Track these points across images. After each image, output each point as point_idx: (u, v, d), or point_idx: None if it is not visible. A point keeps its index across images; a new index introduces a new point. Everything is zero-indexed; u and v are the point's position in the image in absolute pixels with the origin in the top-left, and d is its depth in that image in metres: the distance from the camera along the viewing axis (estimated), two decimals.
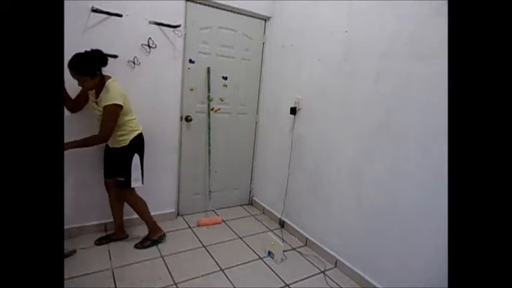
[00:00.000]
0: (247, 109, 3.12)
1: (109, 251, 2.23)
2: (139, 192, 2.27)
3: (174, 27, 2.42)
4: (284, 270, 2.22)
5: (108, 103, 1.90)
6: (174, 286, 1.95)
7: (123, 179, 2.11)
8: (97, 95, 1.98)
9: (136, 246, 2.30)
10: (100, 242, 2.31)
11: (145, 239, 2.35)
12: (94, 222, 2.40)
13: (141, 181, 2.19)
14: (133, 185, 2.14)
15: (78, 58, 1.84)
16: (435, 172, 1.67)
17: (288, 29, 2.77)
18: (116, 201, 2.30)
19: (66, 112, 2.07)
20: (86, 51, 1.88)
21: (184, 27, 2.52)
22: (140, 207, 2.28)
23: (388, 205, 1.94)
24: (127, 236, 2.41)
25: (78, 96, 2.07)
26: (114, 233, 2.38)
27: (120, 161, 2.11)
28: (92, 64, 1.88)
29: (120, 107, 1.94)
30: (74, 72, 1.83)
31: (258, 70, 3.10)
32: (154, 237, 2.36)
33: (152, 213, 2.68)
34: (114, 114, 1.94)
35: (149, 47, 2.36)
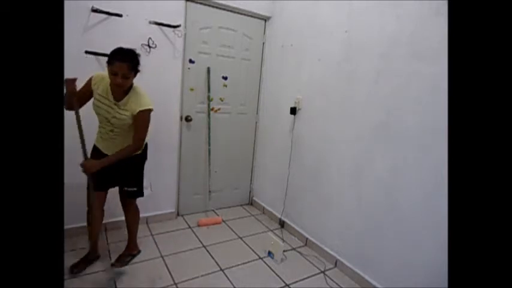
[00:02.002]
0: (247, 109, 3.12)
1: (109, 251, 2.23)
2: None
3: (174, 27, 2.42)
4: (284, 270, 2.22)
5: (143, 108, 1.75)
6: (174, 286, 1.95)
7: (135, 189, 1.97)
8: (117, 97, 1.75)
9: (116, 265, 2.04)
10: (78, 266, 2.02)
11: (125, 254, 2.14)
12: None
13: (150, 188, 2.09)
14: (145, 193, 2.02)
15: (134, 52, 1.69)
16: (435, 172, 1.67)
17: (288, 29, 2.77)
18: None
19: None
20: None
21: (184, 27, 2.52)
22: (138, 218, 2.14)
23: (388, 205, 1.94)
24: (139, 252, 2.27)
25: (83, 93, 1.77)
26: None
27: (133, 170, 1.95)
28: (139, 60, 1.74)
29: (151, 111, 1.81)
30: (129, 67, 1.65)
31: (258, 70, 3.10)
32: (134, 252, 2.18)
33: (152, 213, 2.69)
34: (148, 120, 1.81)
35: (149, 47, 2.36)
